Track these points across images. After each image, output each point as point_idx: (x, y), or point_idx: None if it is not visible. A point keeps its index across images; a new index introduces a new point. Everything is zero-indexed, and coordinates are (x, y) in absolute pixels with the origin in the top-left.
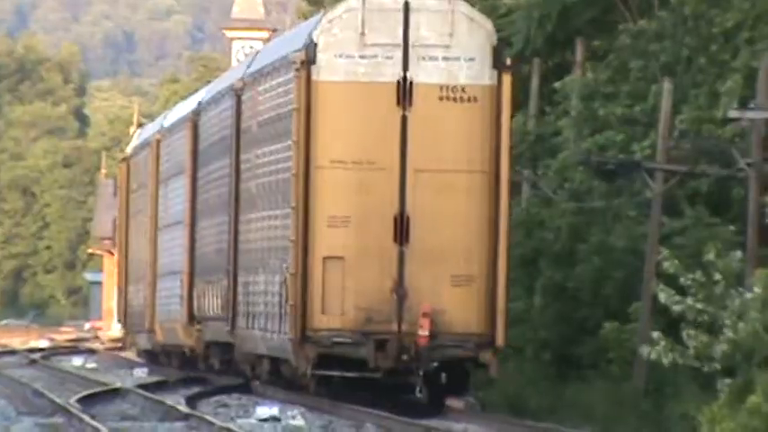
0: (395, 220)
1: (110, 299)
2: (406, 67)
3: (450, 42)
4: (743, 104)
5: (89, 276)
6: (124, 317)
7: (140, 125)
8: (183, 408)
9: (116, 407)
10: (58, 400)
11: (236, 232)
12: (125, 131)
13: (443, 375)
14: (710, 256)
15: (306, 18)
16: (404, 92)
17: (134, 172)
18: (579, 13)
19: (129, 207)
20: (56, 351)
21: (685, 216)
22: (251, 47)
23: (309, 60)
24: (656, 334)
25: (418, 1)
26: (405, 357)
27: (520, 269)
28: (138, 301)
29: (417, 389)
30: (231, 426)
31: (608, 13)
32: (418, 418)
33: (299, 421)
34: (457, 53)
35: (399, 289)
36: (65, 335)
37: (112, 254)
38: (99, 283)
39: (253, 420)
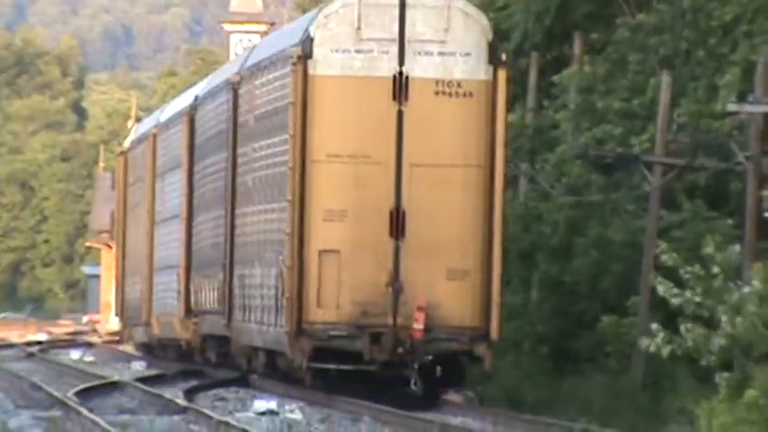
0: (391, 214)
1: (108, 292)
2: (401, 62)
3: (445, 37)
4: (741, 98)
5: (87, 270)
6: (122, 310)
7: (138, 119)
8: (181, 401)
9: (114, 400)
10: (55, 394)
11: (233, 226)
12: (123, 125)
13: (438, 368)
14: (709, 249)
15: (304, 12)
16: (400, 86)
17: (132, 166)
18: (577, 6)
19: (126, 201)
20: (54, 344)
21: (683, 209)
22: (249, 40)
23: (306, 55)
24: (654, 326)
25: None
26: (400, 350)
27: (517, 263)
28: (135, 295)
29: (412, 382)
30: (229, 419)
31: (606, 6)
32: (413, 411)
33: (297, 415)
34: (452, 48)
35: (395, 283)
36: (63, 328)
37: (110, 247)
38: (97, 277)
39: (250, 414)
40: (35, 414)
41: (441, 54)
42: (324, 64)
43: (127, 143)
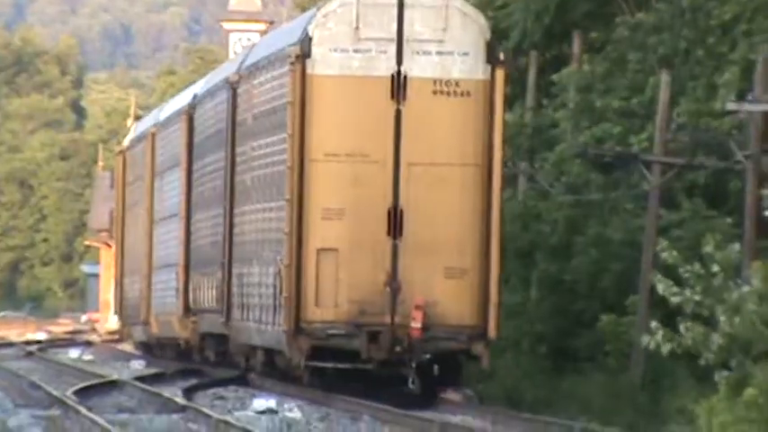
0: (388, 213)
1: (107, 291)
2: (399, 62)
3: (443, 37)
4: (740, 97)
5: (86, 268)
6: (121, 309)
7: (137, 117)
8: (180, 400)
9: (113, 399)
10: (54, 393)
11: (231, 225)
12: (122, 124)
13: (436, 367)
14: (709, 248)
15: (303, 10)
16: (398, 86)
17: (130, 164)
18: (577, 5)
19: (125, 199)
20: (53, 343)
21: (683, 208)
22: (248, 39)
23: (304, 54)
24: (654, 323)
25: None
26: (398, 349)
27: (516, 262)
28: (134, 294)
29: (410, 380)
30: (228, 418)
31: (605, 5)
32: (411, 410)
33: (296, 413)
34: (450, 48)
35: (393, 282)
36: (62, 327)
37: (109, 246)
38: (96, 275)
39: (250, 413)
40: (34, 413)
41: (439, 53)
42: (322, 63)
43: (126, 142)
